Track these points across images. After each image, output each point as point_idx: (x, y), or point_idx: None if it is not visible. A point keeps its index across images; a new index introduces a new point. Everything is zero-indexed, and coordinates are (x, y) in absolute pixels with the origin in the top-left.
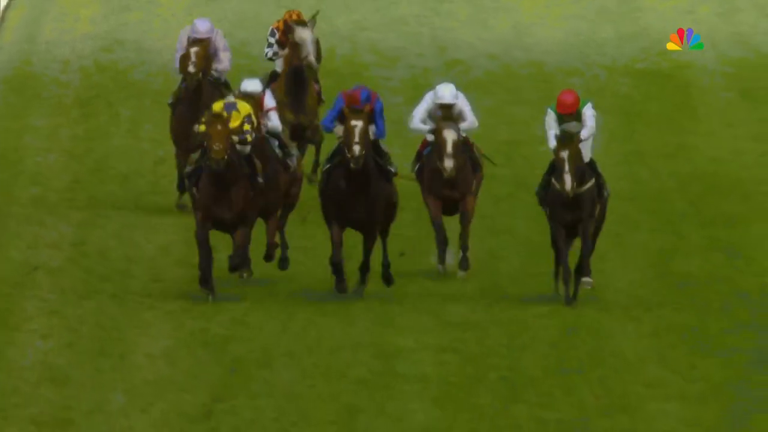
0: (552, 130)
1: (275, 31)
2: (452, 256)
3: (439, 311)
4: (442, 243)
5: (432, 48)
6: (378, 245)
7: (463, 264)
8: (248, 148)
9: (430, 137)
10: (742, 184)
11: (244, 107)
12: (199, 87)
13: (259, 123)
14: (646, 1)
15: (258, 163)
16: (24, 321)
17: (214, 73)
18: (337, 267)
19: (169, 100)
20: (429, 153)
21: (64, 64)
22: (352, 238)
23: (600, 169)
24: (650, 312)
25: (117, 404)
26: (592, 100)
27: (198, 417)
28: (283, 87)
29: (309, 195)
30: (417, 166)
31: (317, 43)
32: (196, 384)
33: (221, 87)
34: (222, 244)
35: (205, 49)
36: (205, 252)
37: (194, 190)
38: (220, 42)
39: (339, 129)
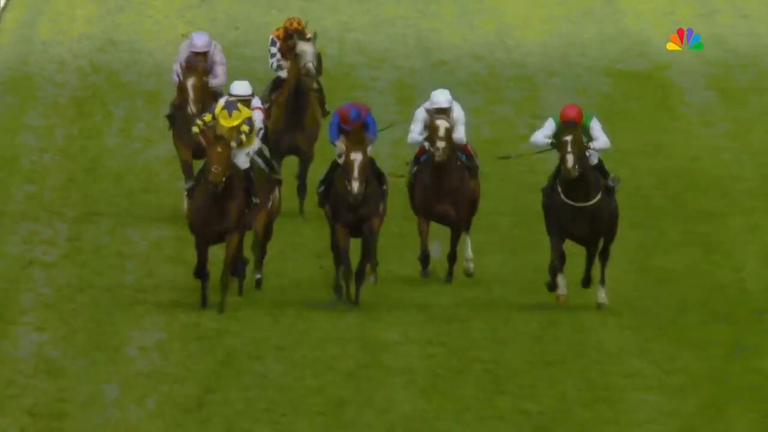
0: (545, 132)
1: (275, 40)
2: (438, 250)
3: (425, 306)
4: (426, 259)
5: (418, 49)
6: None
7: (449, 278)
8: (245, 152)
9: (427, 144)
10: (720, 181)
11: (245, 110)
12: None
13: (253, 129)
14: (627, 4)
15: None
16: (20, 314)
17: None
18: (339, 265)
19: (166, 111)
20: (426, 158)
21: (59, 64)
22: (354, 242)
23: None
24: (630, 305)
25: (111, 396)
26: (573, 100)
27: (190, 408)
28: (282, 106)
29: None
30: (414, 168)
31: (319, 57)
32: (189, 376)
33: (218, 96)
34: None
35: (201, 79)
36: (203, 262)
37: (190, 205)
38: (217, 56)
39: (339, 145)
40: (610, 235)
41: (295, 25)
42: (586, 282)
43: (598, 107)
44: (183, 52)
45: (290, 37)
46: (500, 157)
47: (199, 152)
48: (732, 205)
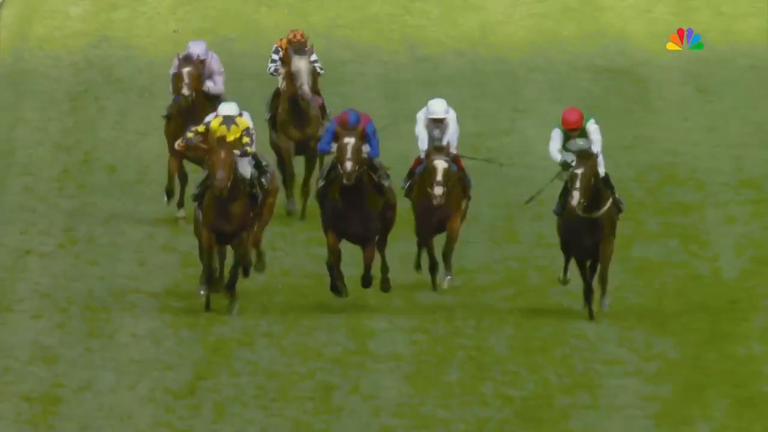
0: (556, 145)
1: (279, 48)
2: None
3: (410, 294)
4: (433, 267)
5: (403, 45)
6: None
7: (444, 277)
8: (247, 160)
9: (423, 156)
10: (697, 174)
11: (242, 122)
12: (193, 103)
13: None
14: (606, 1)
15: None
16: (16, 302)
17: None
18: (330, 270)
19: (164, 112)
20: (421, 170)
21: (54, 60)
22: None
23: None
24: (610, 294)
25: (105, 382)
26: (554, 95)
27: (182, 394)
28: (286, 107)
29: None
30: (408, 183)
31: (313, 73)
32: (181, 363)
33: (215, 101)
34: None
35: (197, 68)
36: (209, 265)
37: (198, 209)
38: (215, 65)
39: (334, 147)
40: (609, 251)
41: (298, 37)
42: (588, 296)
43: (578, 102)
44: (177, 65)
45: (288, 59)
46: (526, 202)
47: (190, 158)
48: (708, 197)
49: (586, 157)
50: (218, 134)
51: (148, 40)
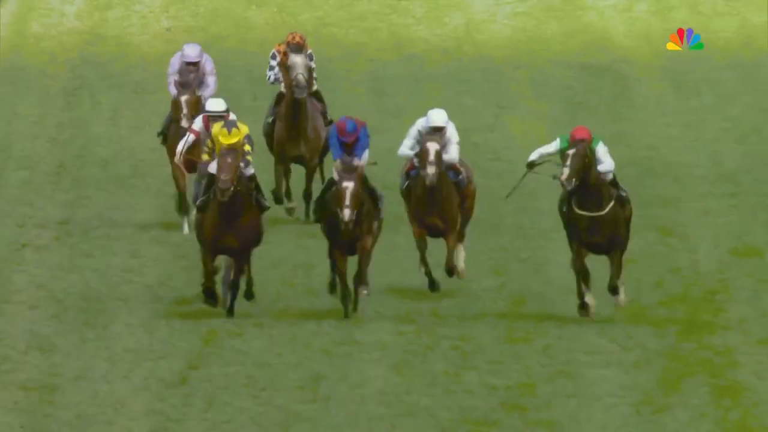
0: (547, 149)
1: (276, 54)
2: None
3: (397, 285)
4: (426, 264)
5: (390, 43)
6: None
7: (433, 285)
8: (251, 169)
9: (416, 160)
10: (675, 167)
11: (243, 126)
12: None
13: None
14: (588, 0)
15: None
16: (13, 293)
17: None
18: (335, 283)
19: (159, 129)
20: (416, 173)
21: (50, 56)
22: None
23: (621, 183)
24: (591, 286)
25: (100, 371)
26: (537, 92)
27: (175, 383)
28: (284, 118)
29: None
30: (404, 185)
31: (310, 70)
32: (173, 352)
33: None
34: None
35: (194, 94)
36: (210, 274)
37: (200, 218)
38: (207, 66)
39: (336, 165)
40: (622, 244)
41: (297, 39)
42: (613, 290)
43: (560, 98)
44: (175, 64)
45: (287, 56)
46: (507, 196)
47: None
48: (686, 190)
49: (579, 141)
50: (222, 141)
51: (141, 38)
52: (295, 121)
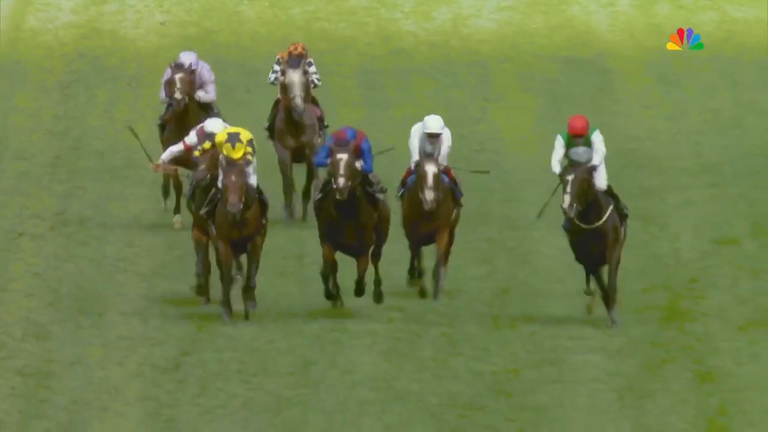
0: (558, 153)
1: (280, 60)
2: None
3: (386, 274)
4: (419, 274)
5: (378, 37)
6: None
7: (436, 294)
8: (254, 178)
9: (413, 166)
10: (658, 159)
11: (245, 134)
12: (186, 108)
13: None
14: None
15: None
16: (10, 282)
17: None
18: (325, 279)
19: (158, 121)
20: (413, 180)
21: (47, 51)
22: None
23: (615, 191)
24: (574, 274)
25: (95, 357)
26: (522, 84)
27: (168, 369)
28: (283, 117)
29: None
30: (401, 192)
31: (307, 85)
32: (167, 339)
33: (207, 108)
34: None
35: (189, 74)
36: (228, 279)
37: (211, 225)
38: (206, 74)
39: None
40: (615, 258)
41: (299, 50)
42: (608, 302)
43: (545, 92)
44: (169, 72)
45: (284, 73)
46: (537, 216)
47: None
48: (669, 182)
49: (576, 165)
50: (227, 155)
51: (136, 32)
52: (292, 122)
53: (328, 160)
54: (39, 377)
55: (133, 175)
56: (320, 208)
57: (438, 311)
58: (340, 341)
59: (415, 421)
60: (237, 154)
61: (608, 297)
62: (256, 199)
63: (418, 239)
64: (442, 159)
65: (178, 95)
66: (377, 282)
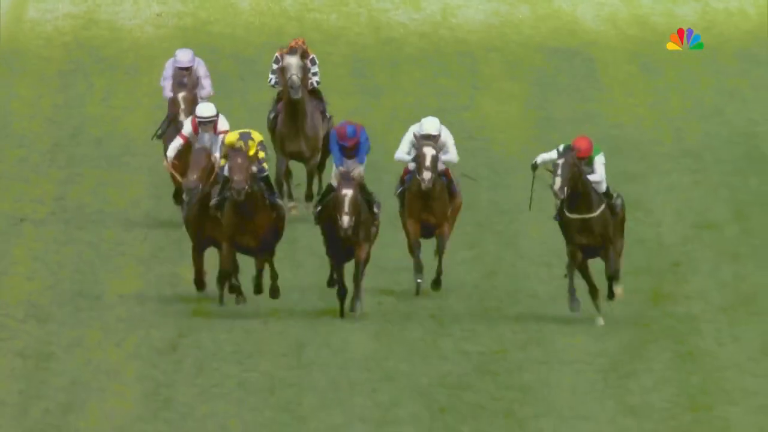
0: (547, 156)
1: (279, 58)
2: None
3: (376, 257)
4: (419, 269)
5: (369, 27)
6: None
7: (436, 283)
8: (266, 172)
9: (412, 165)
10: (641, 145)
11: (257, 135)
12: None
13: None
14: None
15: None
16: (11, 265)
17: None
18: (337, 287)
19: (159, 131)
20: (410, 178)
21: (46, 40)
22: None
23: (612, 190)
24: (560, 258)
25: (93, 339)
26: (509, 73)
27: (165, 350)
28: (284, 120)
29: None
30: (399, 190)
31: (305, 69)
32: (164, 321)
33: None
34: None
35: (192, 93)
36: (234, 269)
37: (219, 215)
38: (201, 70)
39: (335, 173)
40: (615, 247)
41: (299, 43)
42: (610, 294)
43: (532, 80)
44: (168, 69)
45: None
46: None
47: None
48: (651, 167)
49: (567, 151)
50: (233, 144)
51: (133, 23)
52: (293, 119)
53: (343, 162)
54: (39, 358)
55: (130, 161)
56: (321, 219)
57: (427, 294)
58: (332, 323)
59: (404, 399)
60: (249, 152)
61: (595, 291)
62: (268, 206)
63: (418, 231)
64: (452, 156)
65: (182, 118)
66: (357, 292)
